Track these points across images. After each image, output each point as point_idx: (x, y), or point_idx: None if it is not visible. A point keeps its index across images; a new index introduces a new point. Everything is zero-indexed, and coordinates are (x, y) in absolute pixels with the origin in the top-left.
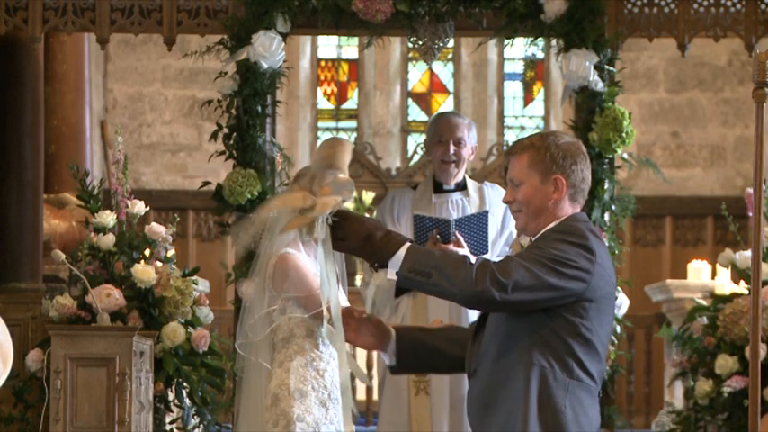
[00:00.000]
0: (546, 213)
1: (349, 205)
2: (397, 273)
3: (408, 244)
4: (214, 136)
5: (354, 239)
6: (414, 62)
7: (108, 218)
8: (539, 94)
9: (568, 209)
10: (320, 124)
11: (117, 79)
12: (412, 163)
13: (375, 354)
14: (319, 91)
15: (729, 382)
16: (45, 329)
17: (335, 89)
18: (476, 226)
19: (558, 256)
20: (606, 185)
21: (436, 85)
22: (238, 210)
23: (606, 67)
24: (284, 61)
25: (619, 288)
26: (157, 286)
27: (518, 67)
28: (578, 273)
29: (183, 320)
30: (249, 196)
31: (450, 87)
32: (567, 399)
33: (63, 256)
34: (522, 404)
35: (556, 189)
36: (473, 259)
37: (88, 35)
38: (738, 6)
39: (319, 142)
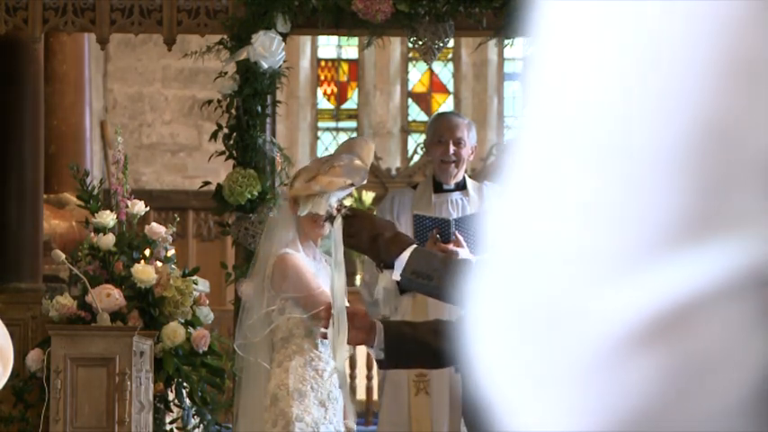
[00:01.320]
0: None
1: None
2: (400, 274)
3: (414, 246)
4: (214, 136)
5: (363, 238)
6: (414, 62)
7: (108, 218)
8: None
9: None
10: (320, 124)
11: (117, 79)
12: (412, 163)
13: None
14: (319, 91)
15: None
16: (45, 329)
17: (335, 89)
18: (476, 226)
19: None
20: None
21: (436, 85)
22: (238, 210)
23: None
24: (284, 61)
25: None
26: (157, 286)
27: (518, 67)
28: None
29: (183, 320)
30: (249, 196)
31: (451, 87)
32: None
33: (63, 256)
34: None
35: None
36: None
37: (88, 35)
38: None
39: (319, 142)
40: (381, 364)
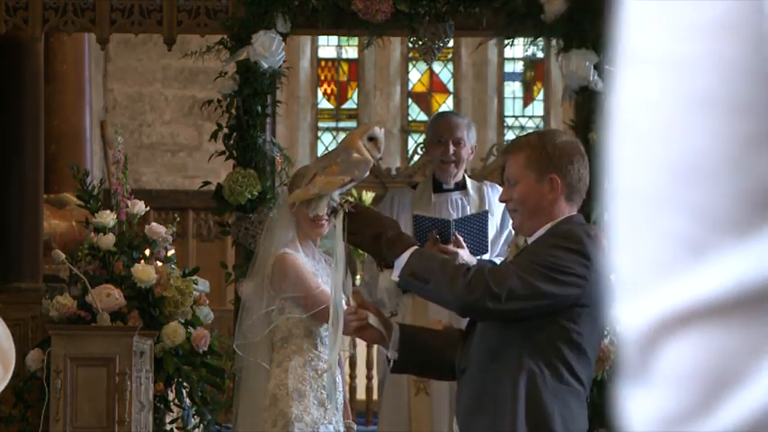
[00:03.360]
0: (542, 213)
1: None
2: (398, 275)
3: (414, 248)
4: (214, 136)
5: (365, 235)
6: (414, 62)
7: (108, 218)
8: (539, 94)
9: (565, 209)
10: (320, 124)
11: (117, 79)
12: (412, 163)
13: (375, 354)
14: (319, 91)
15: None
16: (45, 329)
17: (335, 89)
18: (475, 226)
19: (553, 263)
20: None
21: (436, 85)
22: (238, 210)
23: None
24: (284, 61)
25: None
26: (157, 286)
27: (518, 67)
28: (574, 279)
29: (183, 320)
30: (249, 196)
31: (451, 87)
32: (556, 403)
33: (63, 256)
34: (510, 407)
35: (551, 188)
36: (474, 261)
37: (88, 35)
38: None
39: (319, 142)
40: (392, 367)
